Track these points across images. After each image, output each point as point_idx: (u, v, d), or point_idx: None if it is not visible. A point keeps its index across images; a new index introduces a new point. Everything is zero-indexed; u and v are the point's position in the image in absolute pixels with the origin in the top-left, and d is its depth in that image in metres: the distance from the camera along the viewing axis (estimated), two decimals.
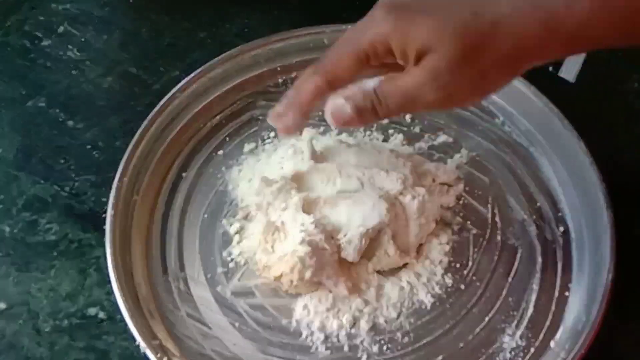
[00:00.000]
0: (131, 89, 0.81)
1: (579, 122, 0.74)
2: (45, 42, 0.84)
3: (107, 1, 0.87)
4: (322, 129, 0.77)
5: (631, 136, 0.79)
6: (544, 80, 0.76)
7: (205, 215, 0.73)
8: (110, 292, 0.68)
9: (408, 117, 0.78)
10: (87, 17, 0.86)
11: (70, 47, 0.84)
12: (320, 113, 0.62)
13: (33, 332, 0.68)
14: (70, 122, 0.79)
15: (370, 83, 0.59)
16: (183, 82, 0.76)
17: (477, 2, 0.56)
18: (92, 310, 0.69)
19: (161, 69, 0.82)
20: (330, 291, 0.68)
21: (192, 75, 0.77)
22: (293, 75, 0.80)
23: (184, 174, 0.75)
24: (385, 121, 0.78)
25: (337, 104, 0.59)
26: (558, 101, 0.75)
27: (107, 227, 0.68)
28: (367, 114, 0.59)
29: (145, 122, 0.74)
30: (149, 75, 0.82)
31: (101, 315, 0.69)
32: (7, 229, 0.73)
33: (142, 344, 0.63)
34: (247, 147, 0.76)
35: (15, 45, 0.84)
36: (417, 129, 0.78)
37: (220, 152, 0.76)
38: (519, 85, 0.76)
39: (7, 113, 0.80)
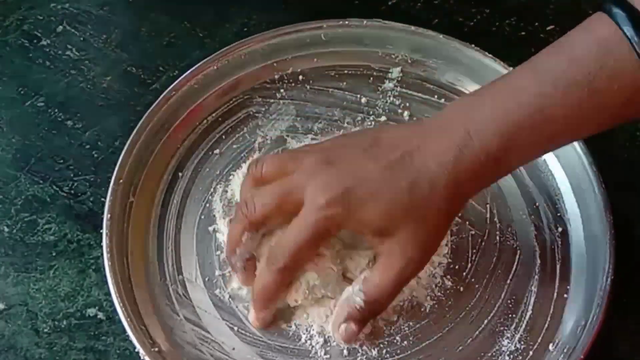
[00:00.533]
0: (130, 88, 0.81)
1: None
2: (44, 42, 0.84)
3: (106, 1, 0.87)
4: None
5: (631, 136, 0.79)
6: None
7: (202, 217, 0.72)
8: (110, 293, 0.68)
9: (406, 114, 0.78)
10: (86, 17, 0.86)
11: (69, 46, 0.84)
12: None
13: (32, 333, 0.68)
14: (69, 122, 0.79)
15: (355, 289, 0.63)
16: (178, 80, 0.76)
17: (406, 166, 0.60)
18: (91, 311, 0.69)
19: (161, 69, 0.82)
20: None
21: (187, 73, 0.76)
22: (289, 70, 0.80)
23: (180, 174, 0.74)
24: (383, 118, 0.78)
25: (344, 328, 0.64)
26: None
27: (104, 231, 0.68)
28: (368, 320, 0.64)
29: (141, 123, 0.73)
30: (149, 75, 0.82)
31: (100, 315, 0.69)
32: (6, 229, 0.73)
33: (142, 352, 0.63)
34: (244, 145, 0.76)
35: (14, 44, 0.84)
36: None
37: (217, 150, 0.76)
38: None
39: (6, 113, 0.80)
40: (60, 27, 0.85)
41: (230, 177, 0.74)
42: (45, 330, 0.68)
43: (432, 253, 0.64)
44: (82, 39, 0.84)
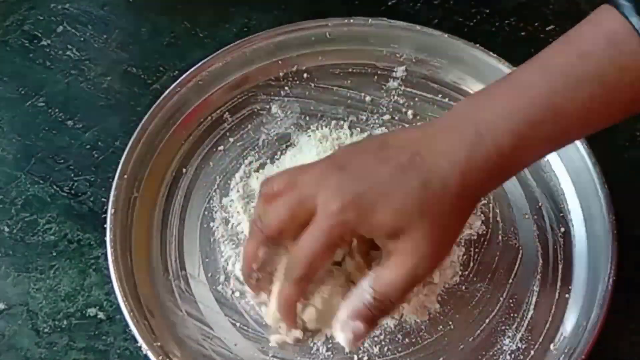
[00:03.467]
0: (131, 88, 0.81)
1: None
2: (44, 42, 0.84)
3: (107, 1, 0.87)
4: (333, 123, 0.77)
5: (631, 136, 0.79)
6: None
7: (206, 213, 0.72)
8: (110, 293, 0.68)
9: (410, 113, 0.78)
10: (86, 17, 0.86)
11: (69, 46, 0.84)
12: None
13: (32, 333, 0.68)
14: (70, 122, 0.79)
15: (365, 286, 0.61)
16: (183, 77, 0.76)
17: (417, 166, 0.59)
18: (91, 311, 0.69)
19: (161, 69, 0.82)
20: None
21: (192, 69, 0.77)
22: (294, 68, 0.80)
23: (184, 170, 0.75)
24: (387, 117, 0.78)
25: (350, 325, 0.61)
26: None
27: (108, 225, 0.68)
28: (378, 319, 0.62)
29: (145, 118, 0.74)
30: (149, 75, 0.82)
31: (100, 315, 0.69)
32: (6, 229, 0.73)
33: (144, 346, 0.63)
34: (248, 142, 0.76)
35: (15, 44, 0.84)
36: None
37: (221, 147, 0.76)
38: None
39: (7, 113, 0.80)
40: (61, 27, 0.85)
41: (228, 183, 0.74)
42: (46, 330, 0.68)
43: (445, 252, 0.63)
44: (82, 39, 0.84)
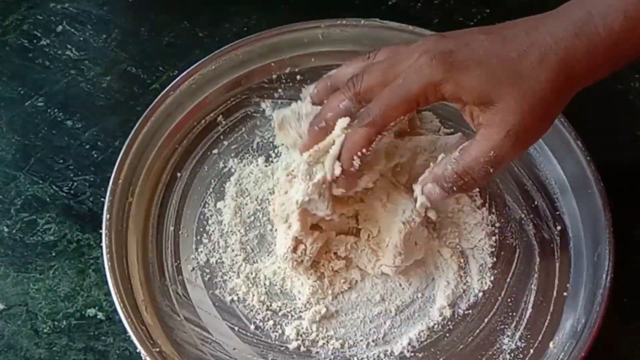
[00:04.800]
0: (130, 88, 0.81)
1: (579, 121, 0.73)
2: (43, 42, 0.84)
3: (106, 1, 0.87)
4: None
5: (631, 136, 0.79)
6: None
7: (201, 217, 0.72)
8: (109, 293, 0.67)
9: None
10: (86, 17, 0.86)
11: (69, 46, 0.84)
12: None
13: (32, 333, 0.68)
14: (69, 122, 0.79)
15: (452, 155, 0.60)
16: (175, 81, 0.76)
17: (519, 40, 0.57)
18: (90, 311, 0.69)
19: (160, 69, 0.82)
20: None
21: (184, 73, 0.76)
22: (287, 70, 0.79)
23: (178, 174, 0.74)
24: None
25: (429, 188, 0.62)
26: None
27: (103, 232, 0.68)
28: (458, 191, 0.61)
29: (138, 123, 0.73)
30: (148, 75, 0.82)
31: (100, 315, 0.69)
32: (6, 229, 0.73)
33: (143, 352, 0.63)
34: (243, 145, 0.76)
35: (14, 44, 0.84)
36: None
37: (215, 150, 0.76)
38: None
39: (6, 113, 0.80)
40: (60, 27, 0.85)
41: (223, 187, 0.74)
42: (45, 330, 0.68)
43: (535, 135, 0.60)
44: (82, 38, 0.84)
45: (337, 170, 0.63)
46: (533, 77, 0.57)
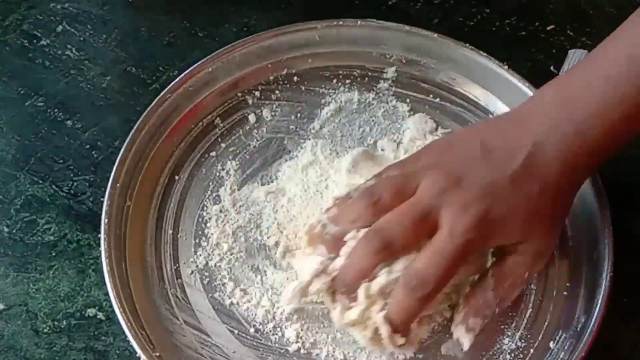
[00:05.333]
0: (130, 88, 0.81)
1: None
2: (43, 42, 0.84)
3: (106, 0, 0.87)
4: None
5: None
6: (545, 79, 0.76)
7: (200, 220, 0.72)
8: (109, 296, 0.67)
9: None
10: (85, 17, 0.86)
11: (68, 46, 0.84)
12: None
13: (31, 333, 0.68)
14: (69, 122, 0.79)
15: (485, 285, 0.65)
16: (171, 84, 0.75)
17: (534, 175, 0.61)
18: (91, 311, 0.69)
19: (160, 69, 0.82)
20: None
21: (181, 76, 0.76)
22: (284, 72, 0.79)
23: (176, 177, 0.74)
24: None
25: (473, 323, 0.64)
26: None
27: (102, 236, 0.68)
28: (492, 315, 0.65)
29: (136, 127, 0.73)
30: (148, 75, 0.82)
31: (100, 315, 0.69)
32: (6, 229, 0.73)
33: (143, 356, 0.63)
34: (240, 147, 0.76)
35: (14, 44, 0.84)
36: None
37: (213, 153, 0.75)
38: (516, 83, 0.76)
39: (5, 113, 0.80)
40: (60, 27, 0.85)
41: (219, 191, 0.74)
42: (45, 330, 0.68)
43: (555, 245, 0.67)
44: (82, 38, 0.84)
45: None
46: (553, 207, 0.63)
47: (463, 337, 0.64)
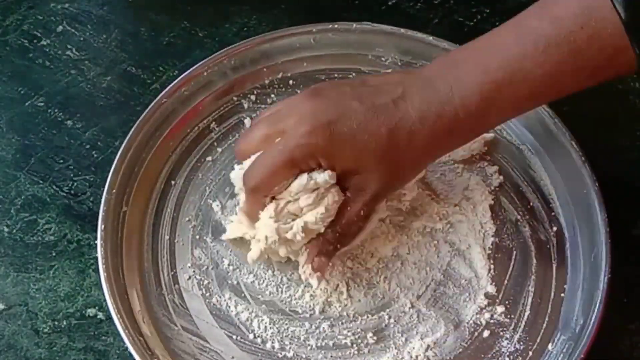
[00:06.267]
0: (130, 88, 0.81)
1: (579, 122, 0.73)
2: (44, 42, 0.84)
3: (106, 1, 0.87)
4: None
5: (631, 136, 0.79)
6: None
7: (197, 224, 0.72)
8: None
9: None
10: (86, 17, 0.86)
11: (69, 46, 0.84)
12: None
13: (32, 333, 0.68)
14: (69, 122, 0.79)
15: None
16: (167, 89, 0.75)
17: (388, 113, 0.62)
18: (91, 311, 0.69)
19: (160, 69, 0.82)
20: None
21: (176, 80, 0.76)
22: (279, 75, 0.79)
23: (172, 182, 0.74)
24: None
25: (317, 262, 0.65)
26: (558, 101, 0.74)
27: (99, 242, 0.68)
28: (335, 250, 0.67)
29: (131, 132, 0.73)
30: (148, 75, 0.82)
31: (100, 315, 0.69)
32: (6, 229, 0.73)
33: None
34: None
35: (14, 44, 0.84)
36: None
37: (209, 158, 0.75)
38: None
39: (6, 113, 0.80)
40: (60, 27, 0.85)
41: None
42: (45, 330, 0.68)
43: (390, 193, 0.68)
44: (82, 39, 0.84)
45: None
46: (400, 155, 0.63)
47: (311, 278, 0.65)
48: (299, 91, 0.78)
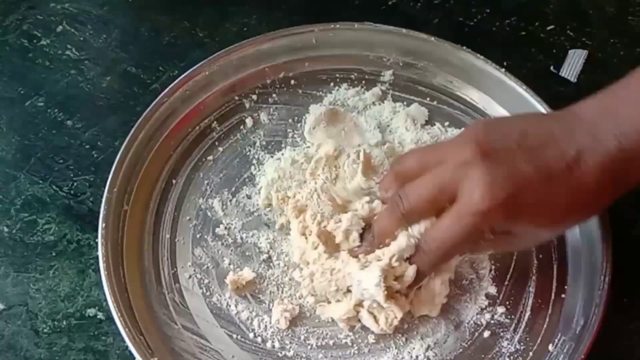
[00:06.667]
0: (130, 88, 0.81)
1: None
2: (43, 42, 0.84)
3: (106, 1, 0.87)
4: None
5: None
6: (545, 80, 0.76)
7: (197, 224, 0.72)
8: None
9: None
10: (86, 17, 0.86)
11: (69, 46, 0.84)
12: None
13: (32, 333, 0.68)
14: (69, 122, 0.79)
15: None
16: (168, 88, 0.75)
17: (568, 185, 0.59)
18: (91, 311, 0.69)
19: (160, 69, 0.82)
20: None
21: (178, 79, 0.76)
22: (281, 75, 0.79)
23: (173, 181, 0.74)
24: (376, 122, 0.77)
25: None
26: (558, 101, 0.74)
27: (99, 240, 0.68)
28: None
29: (133, 131, 0.73)
30: (148, 75, 0.82)
31: (100, 315, 0.69)
32: (6, 229, 0.73)
33: None
34: (238, 151, 0.76)
35: (14, 44, 0.84)
36: None
37: (210, 157, 0.75)
38: (513, 86, 0.76)
39: (6, 113, 0.80)
40: (60, 27, 0.85)
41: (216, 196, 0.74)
42: (45, 330, 0.68)
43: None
44: (82, 39, 0.84)
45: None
46: (582, 209, 0.62)
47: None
48: (300, 91, 0.78)
